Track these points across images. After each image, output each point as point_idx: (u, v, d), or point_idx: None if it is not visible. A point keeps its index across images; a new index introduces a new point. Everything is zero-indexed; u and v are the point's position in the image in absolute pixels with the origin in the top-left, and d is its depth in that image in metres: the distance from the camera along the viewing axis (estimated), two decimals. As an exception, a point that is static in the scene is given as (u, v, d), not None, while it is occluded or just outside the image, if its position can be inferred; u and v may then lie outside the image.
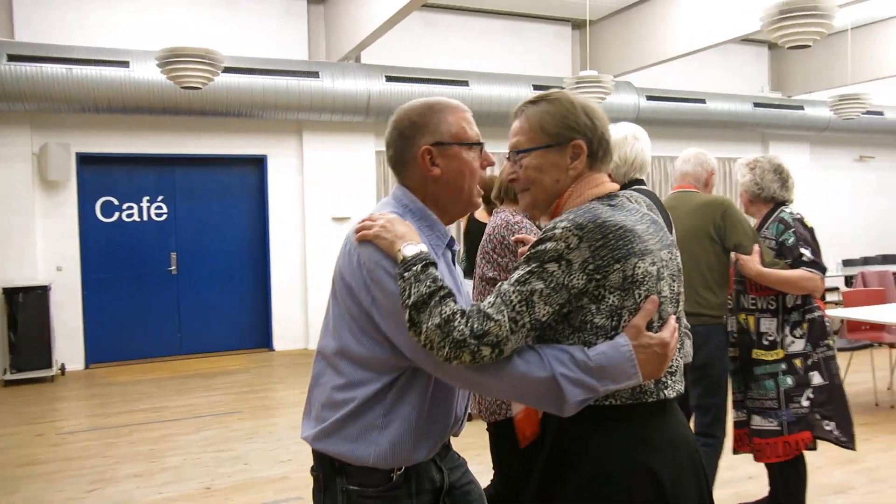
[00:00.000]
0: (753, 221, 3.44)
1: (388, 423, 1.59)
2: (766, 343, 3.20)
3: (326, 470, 1.66)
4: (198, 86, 6.08)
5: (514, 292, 1.41)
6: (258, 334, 8.80)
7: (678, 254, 1.62)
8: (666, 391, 1.52)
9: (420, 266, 1.45)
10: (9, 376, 7.12)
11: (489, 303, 1.41)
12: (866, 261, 10.69)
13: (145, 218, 8.28)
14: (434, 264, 1.48)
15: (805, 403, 3.16)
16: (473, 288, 2.75)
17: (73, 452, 5.01)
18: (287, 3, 8.52)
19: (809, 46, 5.26)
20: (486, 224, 2.87)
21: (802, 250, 3.13)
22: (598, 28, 9.60)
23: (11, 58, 6.85)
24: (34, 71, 6.89)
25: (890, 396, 6.04)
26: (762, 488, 3.63)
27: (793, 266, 3.12)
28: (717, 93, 10.30)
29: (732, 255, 3.29)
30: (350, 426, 1.60)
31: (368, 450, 1.59)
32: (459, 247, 1.73)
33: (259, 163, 8.67)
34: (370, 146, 8.95)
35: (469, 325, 1.38)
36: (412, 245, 1.49)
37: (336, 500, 1.64)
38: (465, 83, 8.61)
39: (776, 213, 3.27)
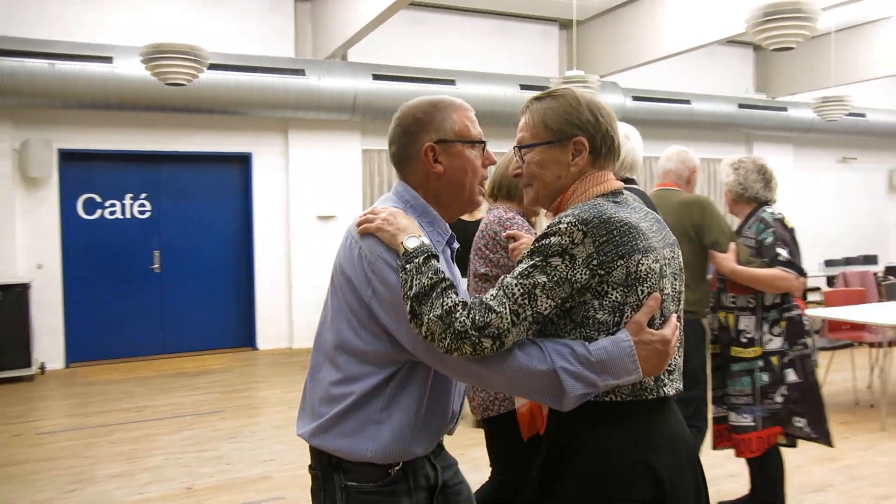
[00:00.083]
0: (737, 221, 3.47)
1: (386, 418, 1.59)
2: (744, 340, 3.25)
3: (324, 467, 1.66)
4: (182, 82, 6.04)
5: (516, 285, 1.42)
6: (242, 333, 8.76)
7: (680, 252, 1.63)
8: (665, 388, 1.53)
9: (422, 258, 1.46)
10: (-12, 375, 7.04)
11: (491, 295, 1.42)
12: (848, 261, 10.78)
13: (128, 215, 8.21)
14: (436, 256, 1.49)
15: (779, 400, 3.22)
16: (467, 285, 2.75)
17: (52, 453, 4.95)
18: (273, 0, 8.48)
19: (793, 48, 5.30)
20: (469, 223, 2.88)
21: (779, 250, 3.17)
22: (584, 28, 9.62)
23: (-8, 52, 6.78)
24: (16, 65, 6.81)
25: (870, 395, 6.10)
26: (743, 486, 3.65)
27: (770, 265, 3.16)
28: (702, 94, 10.35)
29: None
30: (348, 421, 1.60)
31: (367, 445, 1.59)
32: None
33: (244, 161, 8.62)
34: (356, 145, 8.92)
35: (471, 316, 1.39)
36: (414, 238, 1.50)
37: (335, 497, 1.64)
38: (452, 82, 8.60)
39: (757, 213, 3.32)
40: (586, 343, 1.44)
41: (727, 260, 3.22)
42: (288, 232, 8.70)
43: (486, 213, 2.81)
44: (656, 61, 8.72)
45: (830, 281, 9.30)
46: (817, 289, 9.65)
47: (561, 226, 1.43)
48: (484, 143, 1.70)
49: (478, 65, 9.23)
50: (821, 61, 10.11)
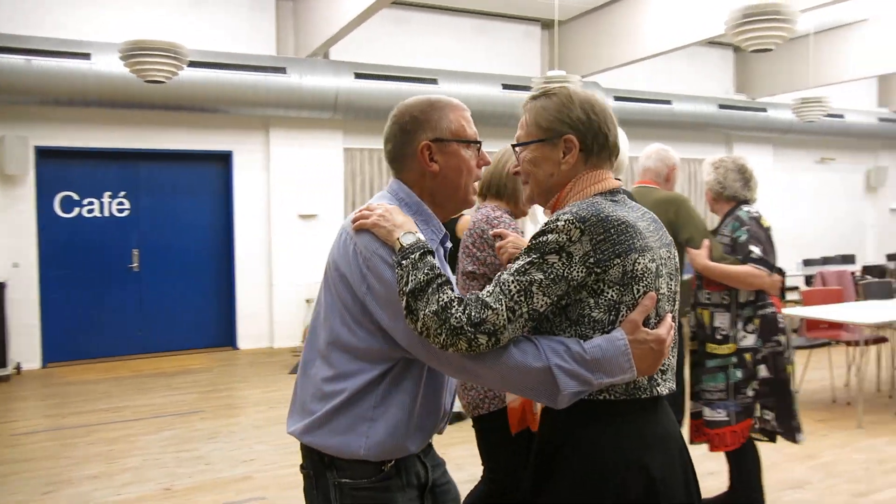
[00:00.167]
0: (717, 219, 3.51)
1: (379, 416, 1.59)
2: (718, 337, 3.31)
3: (316, 465, 1.65)
4: (162, 80, 5.98)
5: (513, 282, 1.42)
6: (222, 333, 8.69)
7: (676, 253, 1.64)
8: (659, 388, 1.53)
9: (418, 254, 1.46)
10: (-37, 375, 6.94)
11: (488, 291, 1.42)
12: (826, 261, 10.89)
13: (106, 214, 8.12)
14: (432, 253, 1.49)
15: (750, 394, 3.29)
16: (455, 283, 2.76)
17: (28, 454, 4.89)
18: (254, -3, 8.43)
19: (772, 50, 5.34)
20: (452, 219, 2.89)
21: (752, 247, 3.23)
22: (566, 28, 9.65)
23: (-33, 48, 6.67)
24: (-9, 62, 6.71)
25: (847, 393, 6.17)
26: (722, 484, 3.68)
27: (743, 262, 3.22)
28: (682, 94, 10.42)
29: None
30: (340, 418, 1.60)
31: (359, 442, 1.59)
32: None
33: (225, 159, 8.55)
34: (338, 143, 8.89)
35: (466, 312, 1.39)
36: (410, 234, 1.51)
37: (329, 495, 1.63)
38: (435, 81, 8.59)
39: (735, 212, 3.37)
40: (581, 341, 1.44)
41: (700, 256, 3.27)
42: (269, 231, 8.65)
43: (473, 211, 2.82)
44: (637, 62, 8.77)
45: (808, 280, 9.39)
46: (796, 288, 9.75)
47: (558, 223, 1.43)
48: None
49: (460, 64, 9.23)
50: (799, 63, 10.22)
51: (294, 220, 8.69)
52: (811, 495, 4.02)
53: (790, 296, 9.02)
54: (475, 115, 1.77)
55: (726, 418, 3.28)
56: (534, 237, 1.46)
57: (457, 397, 2.29)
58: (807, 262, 10.58)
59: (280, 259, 8.63)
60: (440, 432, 1.77)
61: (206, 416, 5.76)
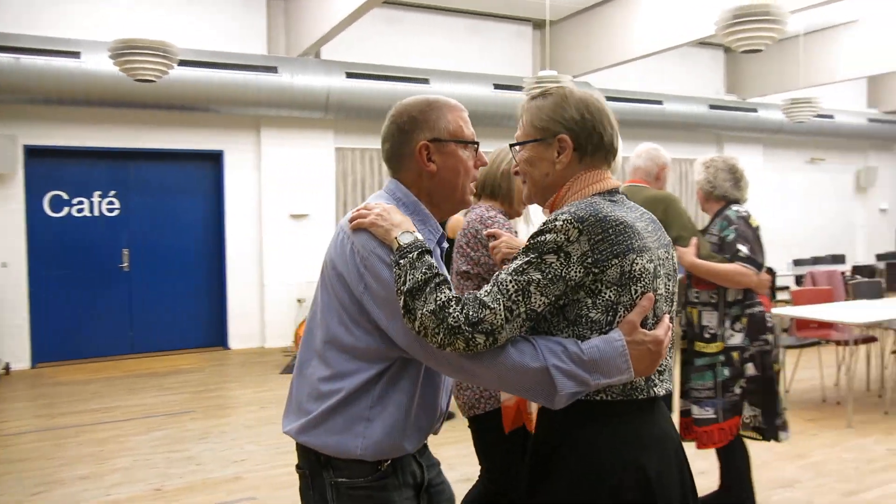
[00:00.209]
0: (707, 218, 3.53)
1: (376, 416, 1.59)
2: (706, 336, 3.33)
3: (312, 465, 1.65)
4: (152, 79, 5.95)
5: (510, 281, 1.41)
6: (213, 333, 8.66)
7: (674, 253, 1.64)
8: (656, 388, 1.53)
9: (416, 253, 1.46)
10: (-49, 376, 6.90)
11: (486, 291, 1.42)
12: (816, 260, 10.94)
13: (96, 213, 8.08)
14: (430, 252, 1.49)
15: (738, 392, 3.32)
16: None
17: (17, 454, 4.86)
18: (245, -4, 8.41)
19: (762, 51, 5.36)
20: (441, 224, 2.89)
21: (739, 246, 3.25)
22: (558, 28, 9.66)
23: (-45, 46, 6.63)
24: (-20, 60, 6.67)
25: (836, 393, 6.20)
26: (713, 483, 3.69)
27: (730, 261, 3.24)
28: (673, 94, 10.45)
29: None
30: (336, 418, 1.59)
31: (355, 442, 1.58)
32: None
33: (216, 158, 8.53)
34: (329, 143, 8.87)
35: (464, 312, 1.39)
36: (408, 233, 1.51)
37: (325, 495, 1.63)
38: (427, 81, 8.59)
39: (724, 211, 3.39)
40: (579, 342, 1.44)
41: (687, 254, 3.28)
42: (260, 230, 8.63)
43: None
44: (629, 62, 8.79)
45: (799, 280, 9.43)
46: (786, 288, 9.80)
47: (557, 223, 1.43)
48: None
49: (452, 64, 9.23)
50: (790, 63, 10.27)
51: (285, 219, 8.67)
52: (801, 494, 4.03)
53: (780, 295, 9.06)
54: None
55: (714, 416, 3.31)
56: (532, 237, 1.46)
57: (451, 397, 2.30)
58: (797, 262, 10.62)
59: (271, 259, 8.61)
60: (436, 432, 1.77)
61: (197, 417, 5.74)
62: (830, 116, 11.69)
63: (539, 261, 1.42)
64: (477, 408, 2.63)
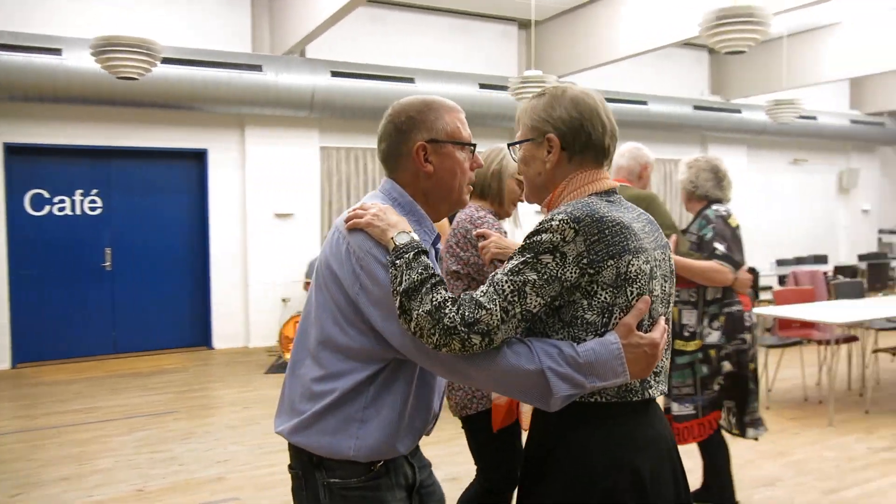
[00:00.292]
0: (691, 217, 3.56)
1: (369, 417, 1.58)
2: (686, 334, 3.36)
3: (305, 465, 1.64)
4: (134, 76, 5.90)
5: (506, 282, 1.41)
6: (197, 332, 8.61)
7: (671, 255, 1.64)
8: (651, 391, 1.53)
9: (412, 254, 1.45)
10: (-70, 376, 6.81)
11: (482, 291, 1.41)
12: (799, 261, 11.03)
13: (78, 212, 8.01)
14: (426, 252, 1.48)
15: (716, 388, 3.35)
16: None
17: (-3, 455, 4.82)
18: (229, -6, 8.36)
19: (745, 52, 5.39)
20: None
21: (716, 244, 3.28)
22: (543, 28, 9.68)
23: (-65, 43, 6.55)
24: (-41, 57, 6.59)
25: (818, 392, 6.25)
26: (695, 481, 3.71)
27: (708, 259, 3.26)
28: (658, 95, 10.49)
29: None
30: (329, 419, 1.58)
31: (348, 443, 1.57)
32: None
33: (199, 157, 8.47)
34: (314, 142, 8.84)
35: (460, 312, 1.38)
36: (404, 234, 1.50)
37: (318, 495, 1.62)
38: (412, 80, 8.58)
39: (704, 210, 3.41)
40: (574, 344, 1.44)
41: None
42: (244, 229, 8.59)
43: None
44: (614, 62, 8.81)
45: (782, 280, 9.50)
46: (769, 287, 9.86)
47: (553, 223, 1.43)
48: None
49: (437, 63, 9.22)
50: (773, 65, 10.34)
51: (270, 219, 8.64)
52: (782, 492, 4.06)
53: (763, 295, 9.12)
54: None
55: (693, 412, 3.34)
56: (528, 236, 1.46)
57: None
58: (780, 262, 10.70)
59: (256, 258, 8.57)
60: (428, 433, 1.77)
61: (181, 417, 5.70)
62: (813, 118, 11.79)
63: (535, 261, 1.41)
64: (469, 408, 2.64)
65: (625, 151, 3.61)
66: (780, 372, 6.54)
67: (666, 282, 1.57)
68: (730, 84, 11.60)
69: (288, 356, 7.17)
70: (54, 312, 7.88)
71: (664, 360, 1.57)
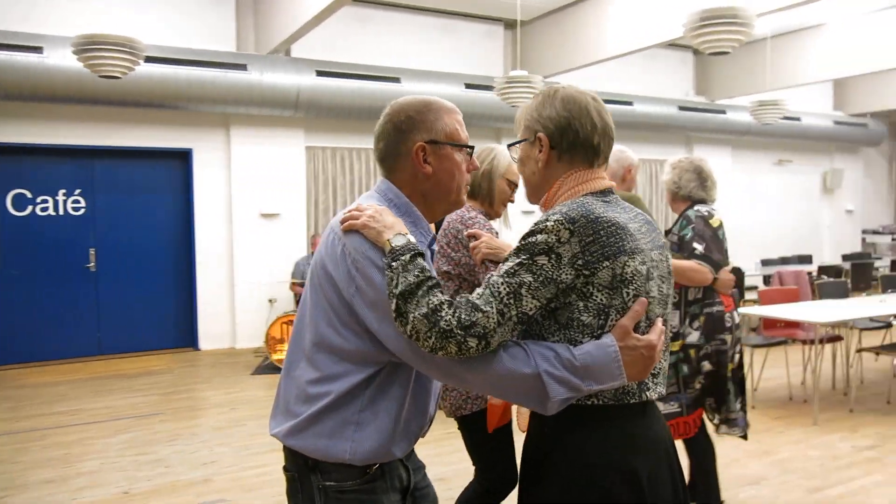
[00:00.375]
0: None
1: (365, 420, 1.57)
2: (669, 334, 3.36)
3: (300, 468, 1.62)
4: (118, 75, 5.85)
5: (502, 284, 1.40)
6: (183, 333, 8.56)
7: (669, 255, 1.63)
8: (648, 392, 1.52)
9: (408, 256, 1.44)
10: (-89, 378, 6.72)
11: (478, 294, 1.40)
12: (784, 261, 11.10)
13: (61, 212, 7.94)
14: (422, 255, 1.47)
15: (697, 387, 3.38)
16: None
17: (-21, 458, 4.76)
18: (214, -7, 8.31)
19: (729, 53, 5.42)
20: None
21: (695, 244, 3.30)
22: (529, 29, 9.69)
23: (-86, 41, 6.46)
24: (-60, 55, 6.51)
25: (803, 391, 6.29)
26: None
27: (687, 259, 3.28)
28: (644, 95, 10.53)
29: None
30: (325, 421, 1.57)
31: (344, 446, 1.56)
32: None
33: (184, 156, 8.42)
34: (300, 142, 8.81)
35: (456, 315, 1.37)
36: (401, 235, 1.49)
37: (313, 498, 1.61)
38: (398, 80, 8.57)
39: (686, 211, 3.43)
40: (571, 347, 1.43)
41: None
42: (230, 230, 8.54)
43: None
44: (599, 63, 8.84)
45: (767, 280, 9.57)
46: (754, 287, 9.93)
47: (548, 223, 1.42)
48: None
49: (423, 63, 9.21)
50: (757, 66, 10.41)
51: (256, 218, 8.60)
52: (767, 491, 4.09)
53: (749, 295, 9.18)
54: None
55: (678, 409, 3.37)
56: (524, 237, 1.45)
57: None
58: (765, 262, 10.77)
59: (242, 258, 8.53)
60: (423, 436, 1.76)
61: (166, 419, 5.66)
62: (797, 119, 11.88)
63: (530, 262, 1.41)
64: (464, 409, 2.64)
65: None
66: (766, 371, 6.58)
67: (664, 283, 1.57)
68: (714, 85, 11.66)
69: (275, 357, 7.17)
70: (38, 314, 7.80)
71: (662, 361, 1.56)
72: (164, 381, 6.96)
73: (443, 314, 1.37)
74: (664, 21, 7.52)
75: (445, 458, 4.39)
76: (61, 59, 6.85)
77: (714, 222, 3.37)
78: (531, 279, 1.39)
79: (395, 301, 1.41)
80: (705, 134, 11.49)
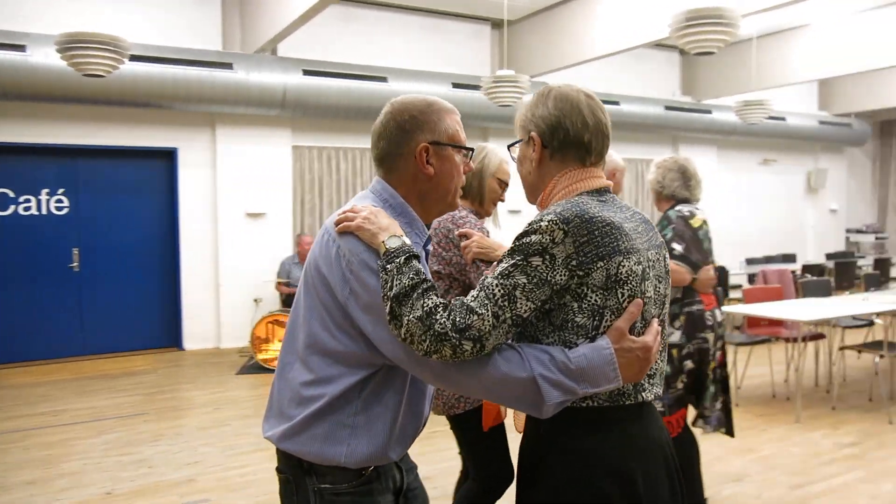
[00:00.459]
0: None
1: (360, 424, 1.55)
2: None
3: (294, 470, 1.61)
4: (101, 74, 5.80)
5: (497, 286, 1.39)
6: (167, 333, 8.51)
7: (667, 255, 1.62)
8: (644, 394, 1.51)
9: (403, 258, 1.43)
10: None
11: (472, 296, 1.39)
12: (768, 259, 11.17)
13: (44, 212, 7.88)
14: (417, 257, 1.45)
15: (680, 386, 3.40)
16: None
17: (-40, 459, 4.72)
18: (200, -9, 8.27)
19: (714, 53, 5.45)
20: None
21: (674, 244, 3.32)
22: (516, 28, 9.70)
23: None
24: (-79, 53, 6.45)
25: (786, 389, 6.33)
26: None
27: None
28: (630, 95, 10.56)
29: None
30: (319, 425, 1.55)
31: (339, 450, 1.55)
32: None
33: (169, 156, 8.37)
34: (286, 141, 8.78)
35: (451, 318, 1.35)
36: (396, 237, 1.47)
37: (309, 501, 1.60)
38: (385, 79, 8.55)
39: (668, 210, 3.45)
40: (566, 350, 1.42)
41: None
42: (216, 229, 8.50)
43: None
44: (586, 62, 8.86)
45: (751, 278, 9.62)
46: (739, 286, 9.99)
47: (542, 223, 1.41)
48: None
49: (410, 62, 9.21)
50: (743, 66, 10.46)
51: (241, 218, 8.56)
52: (750, 488, 4.11)
53: (733, 293, 9.23)
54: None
55: (661, 409, 3.38)
56: (518, 238, 1.44)
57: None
58: (749, 261, 10.84)
59: (227, 258, 8.49)
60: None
61: (150, 419, 5.63)
62: (782, 119, 11.95)
63: (525, 263, 1.39)
64: (456, 408, 2.63)
65: None
66: (749, 369, 6.62)
67: (660, 283, 1.55)
68: (700, 85, 11.71)
69: (260, 357, 7.15)
70: (20, 314, 7.74)
71: (659, 362, 1.55)
72: (149, 382, 6.92)
73: (437, 317, 1.36)
74: (651, 21, 7.55)
75: (430, 457, 4.39)
76: (45, 58, 6.80)
77: (695, 222, 3.38)
78: (525, 281, 1.38)
79: (388, 304, 1.40)
80: (691, 134, 11.54)
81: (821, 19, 9.86)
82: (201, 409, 5.97)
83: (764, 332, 6.37)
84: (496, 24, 10.06)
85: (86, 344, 8.06)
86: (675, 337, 3.36)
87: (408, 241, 1.48)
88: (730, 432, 3.50)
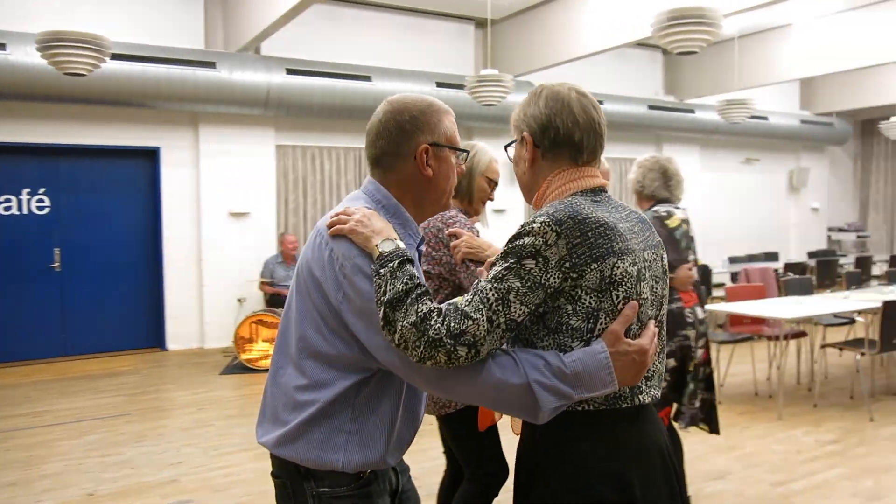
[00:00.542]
0: None
1: (356, 430, 1.54)
2: None
3: (291, 475, 1.58)
4: (83, 72, 5.75)
5: (491, 290, 1.36)
6: (150, 333, 8.46)
7: (664, 255, 1.60)
8: (641, 396, 1.49)
9: (397, 262, 1.40)
10: None
11: (467, 301, 1.36)
12: (751, 258, 11.26)
13: (25, 211, 7.80)
14: (411, 261, 1.43)
15: (663, 384, 3.36)
16: None
17: (-61, 462, 4.67)
18: (182, -11, 8.21)
19: (696, 52, 5.48)
20: None
21: None
22: (499, 28, 9.71)
23: None
24: None
25: (768, 387, 6.39)
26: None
27: None
28: (614, 95, 10.60)
29: None
30: (315, 430, 1.53)
31: (336, 455, 1.53)
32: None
33: (152, 155, 8.31)
34: (270, 140, 8.75)
35: (445, 323, 1.33)
36: (389, 241, 1.45)
37: None
38: (368, 78, 8.54)
39: (647, 211, 3.46)
40: (561, 354, 1.40)
41: None
42: (199, 229, 8.45)
43: None
44: (570, 62, 8.88)
45: (734, 277, 9.70)
46: (722, 284, 10.06)
47: (534, 225, 1.39)
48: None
49: (394, 61, 9.19)
50: (725, 66, 10.53)
51: (225, 218, 8.51)
52: (732, 485, 4.14)
53: (716, 292, 9.30)
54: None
55: None
56: (510, 240, 1.42)
57: None
58: (732, 260, 10.91)
59: (211, 258, 8.44)
60: None
61: (133, 420, 5.59)
62: (765, 118, 12.05)
63: (518, 266, 1.37)
64: (448, 407, 2.63)
65: None
66: (732, 367, 6.67)
67: (657, 283, 1.53)
68: (683, 84, 11.78)
69: (243, 357, 7.12)
70: (1, 314, 7.66)
71: (657, 363, 1.54)
72: (131, 382, 6.87)
73: (432, 323, 1.33)
74: (633, 21, 7.58)
75: (415, 457, 4.38)
76: (25, 56, 6.73)
77: (672, 222, 3.39)
78: (519, 284, 1.36)
79: (382, 309, 1.37)
80: (674, 133, 11.61)
81: (802, 19, 9.95)
82: (184, 410, 5.94)
83: (746, 330, 6.42)
84: (480, 24, 10.07)
85: (68, 344, 7.99)
86: None
87: (402, 245, 1.46)
88: (715, 430, 3.52)
